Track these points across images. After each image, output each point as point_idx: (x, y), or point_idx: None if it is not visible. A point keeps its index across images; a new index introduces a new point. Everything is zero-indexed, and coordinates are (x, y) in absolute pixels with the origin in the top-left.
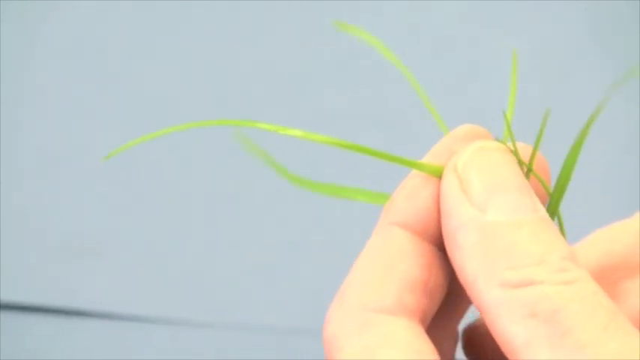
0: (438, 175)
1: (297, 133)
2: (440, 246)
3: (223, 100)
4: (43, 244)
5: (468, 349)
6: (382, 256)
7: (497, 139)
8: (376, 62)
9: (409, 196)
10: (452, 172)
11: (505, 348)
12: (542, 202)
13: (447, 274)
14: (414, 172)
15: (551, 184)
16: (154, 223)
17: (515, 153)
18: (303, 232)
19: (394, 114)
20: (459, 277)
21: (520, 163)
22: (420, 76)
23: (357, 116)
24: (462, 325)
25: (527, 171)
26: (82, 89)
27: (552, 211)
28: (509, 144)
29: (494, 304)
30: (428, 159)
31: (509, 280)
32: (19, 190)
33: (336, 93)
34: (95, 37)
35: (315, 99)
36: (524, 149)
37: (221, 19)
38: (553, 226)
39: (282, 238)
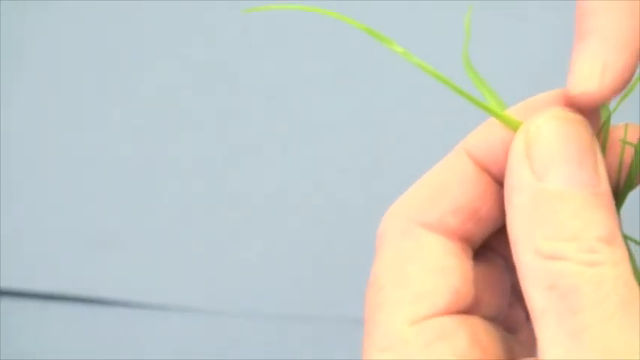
0: (515, 129)
1: (398, 49)
2: (502, 184)
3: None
4: (68, 237)
5: None
6: (442, 176)
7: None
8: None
9: (487, 134)
10: (523, 134)
11: (528, 307)
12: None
13: (503, 210)
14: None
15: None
16: (168, 219)
17: (605, 124)
18: (301, 229)
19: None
20: (507, 229)
21: (601, 136)
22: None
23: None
24: None
25: (603, 146)
26: (103, 96)
27: (626, 189)
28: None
29: (525, 267)
30: (515, 110)
31: (541, 250)
32: (47, 189)
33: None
34: (116, 41)
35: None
36: (633, 128)
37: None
38: (606, 204)
39: (284, 234)
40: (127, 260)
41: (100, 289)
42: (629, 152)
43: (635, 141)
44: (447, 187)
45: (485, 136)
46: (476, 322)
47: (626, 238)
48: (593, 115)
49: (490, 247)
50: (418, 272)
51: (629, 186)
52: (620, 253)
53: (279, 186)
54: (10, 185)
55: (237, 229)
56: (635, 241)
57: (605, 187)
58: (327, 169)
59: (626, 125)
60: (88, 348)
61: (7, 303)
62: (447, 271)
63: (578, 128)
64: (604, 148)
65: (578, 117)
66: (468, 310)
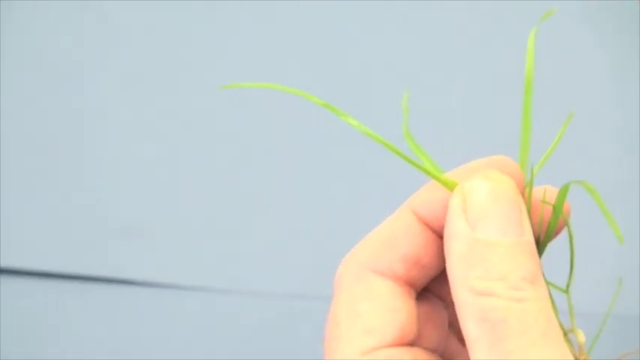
0: (452, 188)
1: (353, 122)
2: (441, 237)
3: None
4: (99, 225)
5: None
6: (390, 230)
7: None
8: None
9: (428, 195)
10: (460, 191)
11: (464, 336)
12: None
13: (442, 258)
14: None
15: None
16: (187, 209)
17: (529, 188)
18: (302, 220)
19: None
20: (447, 271)
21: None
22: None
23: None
24: None
25: (527, 206)
26: (133, 95)
27: (546, 239)
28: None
29: (461, 303)
30: (452, 173)
31: (475, 288)
32: (82, 183)
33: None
34: (143, 44)
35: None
36: (550, 191)
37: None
38: (530, 250)
39: (292, 223)
40: (151, 246)
41: (128, 272)
42: (548, 211)
43: (553, 202)
44: (394, 240)
45: (426, 196)
46: (418, 353)
47: (546, 282)
48: (517, 181)
49: (430, 289)
50: (369, 311)
51: (548, 237)
52: (542, 290)
53: (282, 184)
54: (48, 179)
55: (246, 219)
56: (555, 286)
57: (528, 237)
58: (323, 171)
59: (545, 189)
60: (114, 323)
61: (44, 283)
62: (394, 310)
63: (506, 187)
64: (528, 205)
65: (506, 178)
66: (412, 343)
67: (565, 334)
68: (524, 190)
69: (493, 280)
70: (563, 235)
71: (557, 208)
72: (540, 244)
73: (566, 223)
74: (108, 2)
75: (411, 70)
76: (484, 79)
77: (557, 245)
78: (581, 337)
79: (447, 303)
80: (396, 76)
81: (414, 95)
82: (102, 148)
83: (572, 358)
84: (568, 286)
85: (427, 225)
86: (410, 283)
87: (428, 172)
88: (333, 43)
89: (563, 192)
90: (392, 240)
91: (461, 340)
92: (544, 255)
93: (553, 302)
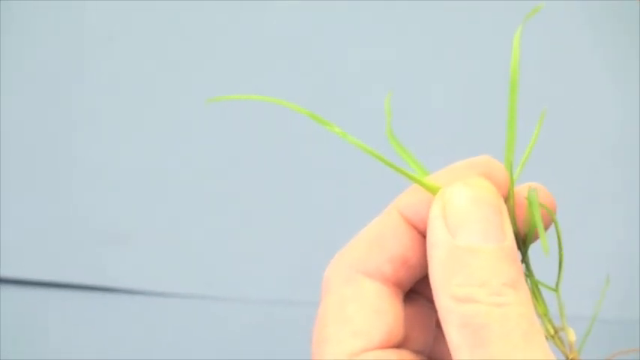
0: (435, 193)
1: (336, 130)
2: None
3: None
4: (83, 232)
5: None
6: (378, 231)
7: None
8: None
9: (414, 196)
10: (440, 198)
11: (447, 342)
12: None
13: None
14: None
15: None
16: (172, 217)
17: (510, 188)
18: (290, 224)
19: None
20: (429, 278)
21: (509, 199)
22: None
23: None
24: None
25: (511, 206)
26: (116, 103)
27: (527, 242)
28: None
29: (444, 309)
30: (437, 175)
31: (456, 295)
32: (66, 191)
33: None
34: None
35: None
36: (541, 190)
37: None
38: (511, 255)
39: (276, 230)
40: (135, 254)
41: (110, 279)
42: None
43: (544, 202)
44: (382, 241)
45: (412, 197)
46: (406, 354)
47: (536, 281)
48: (502, 180)
49: (417, 291)
50: (357, 313)
51: (529, 238)
52: (523, 295)
53: (266, 191)
54: (36, 186)
55: (231, 226)
56: (544, 285)
57: (509, 242)
58: (307, 177)
59: (529, 186)
60: (98, 332)
61: (30, 292)
62: (381, 312)
63: (486, 193)
64: (512, 210)
65: (487, 184)
66: (399, 345)
67: (556, 332)
68: (507, 196)
69: (474, 286)
70: (553, 235)
71: (532, 210)
72: (525, 244)
73: (553, 221)
74: (96, 11)
75: (396, 71)
76: (472, 78)
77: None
78: (571, 335)
79: (435, 304)
80: (379, 78)
81: (399, 96)
82: (85, 156)
83: (555, 359)
84: (557, 284)
85: (413, 226)
86: (398, 284)
87: (411, 177)
88: (317, 48)
89: (531, 197)
90: (379, 241)
91: None
92: (533, 255)
93: (543, 301)
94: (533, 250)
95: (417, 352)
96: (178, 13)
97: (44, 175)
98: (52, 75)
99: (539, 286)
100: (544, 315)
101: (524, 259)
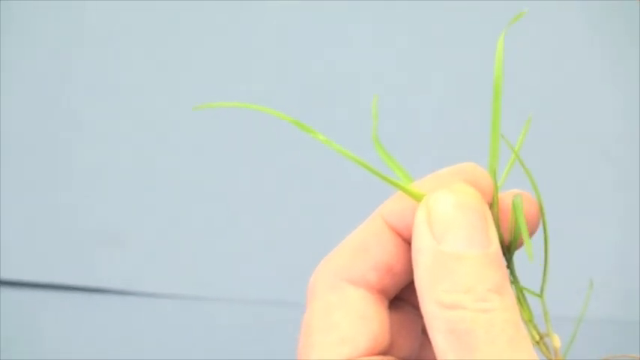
0: (419, 200)
1: (320, 137)
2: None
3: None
4: (75, 234)
5: None
6: (363, 238)
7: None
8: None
9: (398, 203)
10: (425, 204)
11: (433, 348)
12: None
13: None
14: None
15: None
16: (164, 220)
17: (495, 195)
18: (279, 225)
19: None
20: (415, 284)
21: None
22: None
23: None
24: None
25: (495, 213)
26: (108, 107)
27: (512, 247)
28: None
29: (430, 316)
30: (422, 182)
31: (442, 301)
32: (59, 193)
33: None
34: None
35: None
36: (525, 196)
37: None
38: (496, 261)
39: (265, 232)
40: (124, 254)
41: (102, 280)
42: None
43: (526, 207)
44: (366, 248)
45: (396, 205)
46: None
47: (521, 287)
48: (487, 187)
49: (402, 298)
50: (343, 320)
51: (514, 245)
52: (509, 300)
53: (255, 193)
54: (27, 189)
55: (221, 228)
56: (529, 291)
57: (494, 248)
58: (295, 180)
59: (514, 194)
60: (92, 332)
61: (22, 293)
62: (367, 319)
63: (471, 199)
64: (496, 216)
65: (471, 190)
66: (385, 352)
67: (541, 338)
68: (492, 202)
69: (460, 292)
70: (539, 240)
71: (517, 218)
72: (510, 250)
73: (544, 226)
74: (88, 13)
75: (381, 76)
76: (459, 84)
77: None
78: (556, 341)
79: (420, 311)
80: (367, 83)
81: (385, 101)
82: (79, 158)
83: None
84: (542, 290)
85: (398, 233)
86: (383, 292)
87: (395, 185)
88: (304, 52)
89: (516, 204)
90: (364, 248)
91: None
92: (518, 261)
93: (528, 307)
94: (517, 256)
95: (402, 358)
96: (169, 17)
97: (35, 177)
98: (45, 77)
99: (525, 293)
100: (529, 321)
101: (509, 266)
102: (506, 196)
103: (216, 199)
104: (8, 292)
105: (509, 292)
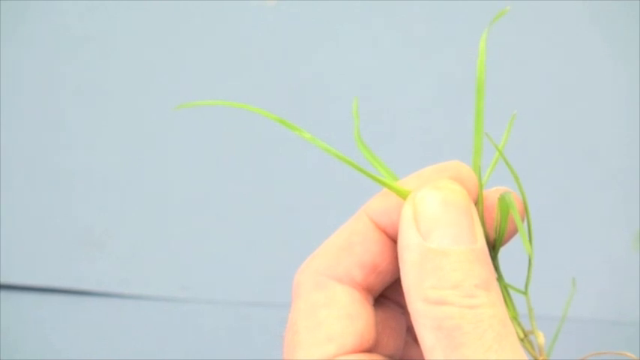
0: (405, 197)
1: (306, 135)
2: (397, 243)
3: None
4: (58, 236)
5: None
6: (347, 236)
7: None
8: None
9: (384, 200)
10: (410, 201)
11: (420, 345)
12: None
13: (398, 264)
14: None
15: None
16: (147, 222)
17: (480, 192)
18: (263, 226)
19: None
20: (401, 281)
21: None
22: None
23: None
24: None
25: (480, 210)
26: (95, 110)
27: (497, 244)
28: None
29: (416, 312)
30: (407, 180)
31: (429, 297)
32: (41, 195)
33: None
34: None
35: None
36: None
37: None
38: (482, 257)
39: (250, 233)
40: (108, 257)
41: (86, 283)
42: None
43: (514, 203)
44: (351, 246)
45: (381, 203)
46: (377, 359)
47: (505, 285)
48: (472, 184)
49: (388, 296)
50: (329, 318)
51: (499, 241)
52: (496, 296)
53: (238, 194)
54: (14, 194)
55: (204, 229)
56: (514, 288)
57: (480, 244)
58: (278, 180)
59: (497, 190)
60: (75, 335)
61: (5, 296)
62: (353, 317)
63: (456, 196)
64: (481, 214)
65: (457, 187)
66: (371, 350)
67: (525, 335)
68: (477, 199)
69: (446, 288)
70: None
71: (502, 215)
72: (495, 247)
73: (528, 224)
74: (70, 17)
75: (366, 76)
76: (443, 83)
77: (517, 248)
78: (540, 338)
79: (405, 309)
80: (348, 84)
81: (368, 101)
82: (61, 160)
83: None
84: (526, 287)
85: (383, 231)
86: (368, 290)
87: (381, 182)
88: (289, 52)
89: (507, 200)
90: (349, 246)
91: (419, 345)
92: (503, 259)
93: (512, 305)
94: (502, 254)
95: (388, 356)
96: (156, 19)
97: (17, 180)
98: (29, 78)
99: (509, 290)
100: (514, 318)
101: (494, 263)
102: (490, 194)
103: (199, 200)
104: None
105: (496, 288)
